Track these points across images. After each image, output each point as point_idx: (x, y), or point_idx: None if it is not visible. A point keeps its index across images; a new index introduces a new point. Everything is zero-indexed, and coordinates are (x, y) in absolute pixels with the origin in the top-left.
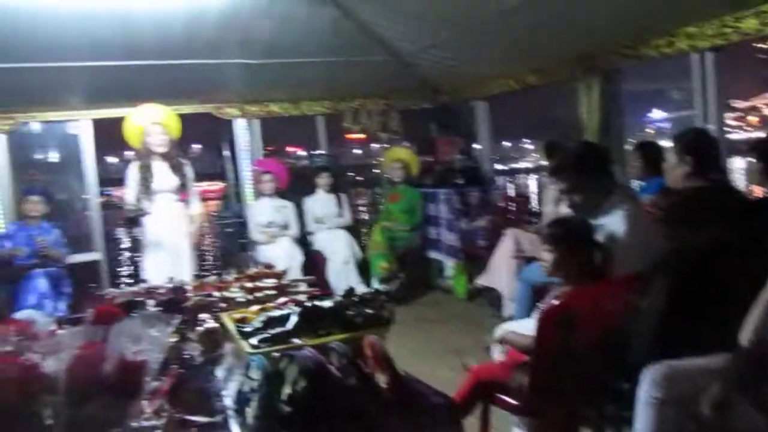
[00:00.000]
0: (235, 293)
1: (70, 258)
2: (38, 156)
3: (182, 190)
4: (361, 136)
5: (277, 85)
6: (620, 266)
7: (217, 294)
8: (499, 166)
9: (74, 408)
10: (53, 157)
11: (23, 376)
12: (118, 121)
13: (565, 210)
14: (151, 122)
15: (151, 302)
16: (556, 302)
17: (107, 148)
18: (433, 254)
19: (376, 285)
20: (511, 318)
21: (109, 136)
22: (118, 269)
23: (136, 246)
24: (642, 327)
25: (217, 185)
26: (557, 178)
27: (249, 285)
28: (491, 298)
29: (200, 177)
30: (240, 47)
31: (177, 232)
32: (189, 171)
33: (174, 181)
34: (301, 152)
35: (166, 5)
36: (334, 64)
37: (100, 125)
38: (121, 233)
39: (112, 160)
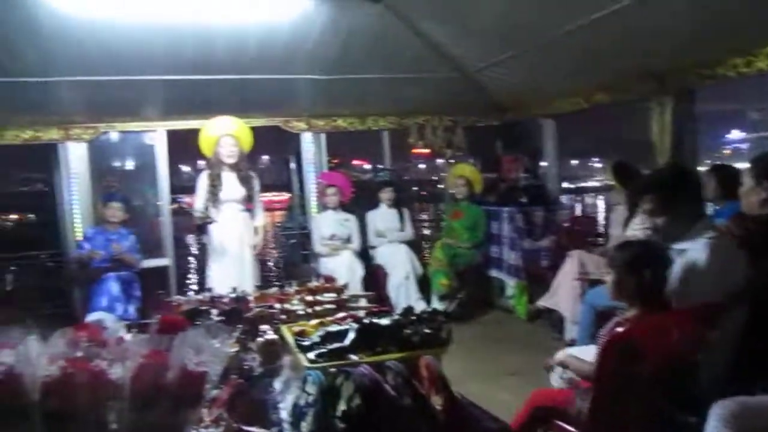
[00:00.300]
0: (296, 306)
1: (142, 263)
2: (116, 164)
3: (248, 201)
4: (426, 150)
5: (344, 100)
6: (698, 295)
7: (278, 306)
8: (565, 185)
9: (137, 414)
10: (129, 165)
11: (92, 382)
12: (189, 132)
13: (633, 232)
14: (224, 133)
15: (214, 311)
16: (620, 329)
17: (180, 158)
18: (495, 273)
19: (435, 302)
20: (573, 342)
21: (182, 146)
22: (186, 275)
23: (204, 253)
24: (713, 359)
25: (283, 196)
26: (643, 197)
27: (309, 298)
28: (553, 320)
29: (267, 187)
30: (308, 63)
31: (241, 241)
32: (256, 183)
33: (241, 191)
34: (367, 165)
35: (240, 22)
36: (401, 80)
37: (173, 135)
38: (191, 240)
39: (184, 168)
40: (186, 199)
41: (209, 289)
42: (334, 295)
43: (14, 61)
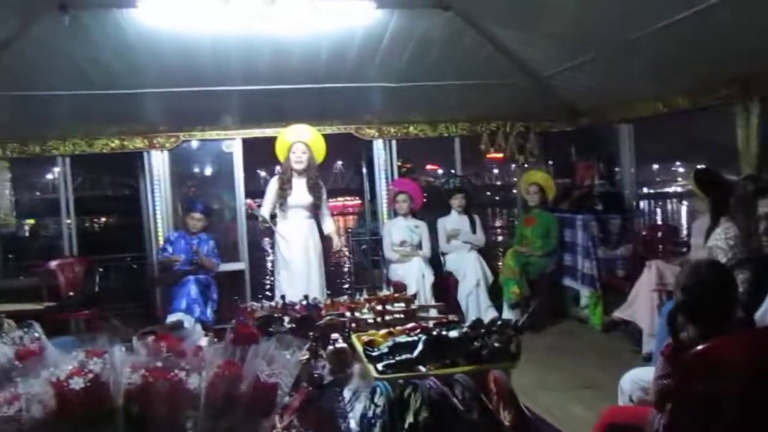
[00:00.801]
0: (365, 315)
1: (219, 267)
2: (195, 170)
3: (315, 208)
4: (500, 155)
5: (415, 107)
6: None
7: (348, 314)
8: (645, 190)
9: (212, 422)
10: (207, 171)
11: (170, 391)
12: (265, 140)
13: (715, 243)
14: (296, 140)
15: (286, 319)
16: (700, 347)
17: (256, 164)
18: (568, 282)
19: (506, 310)
20: (650, 355)
21: (258, 153)
22: (261, 279)
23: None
24: None
25: (356, 201)
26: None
27: (379, 308)
28: (629, 332)
29: (340, 192)
30: (380, 71)
31: (306, 247)
32: (324, 192)
33: (308, 198)
34: (440, 170)
35: (313, 32)
36: (472, 86)
37: (249, 143)
38: (266, 245)
39: (262, 174)
40: (247, 200)
41: (282, 297)
42: (403, 305)
43: (105, 76)
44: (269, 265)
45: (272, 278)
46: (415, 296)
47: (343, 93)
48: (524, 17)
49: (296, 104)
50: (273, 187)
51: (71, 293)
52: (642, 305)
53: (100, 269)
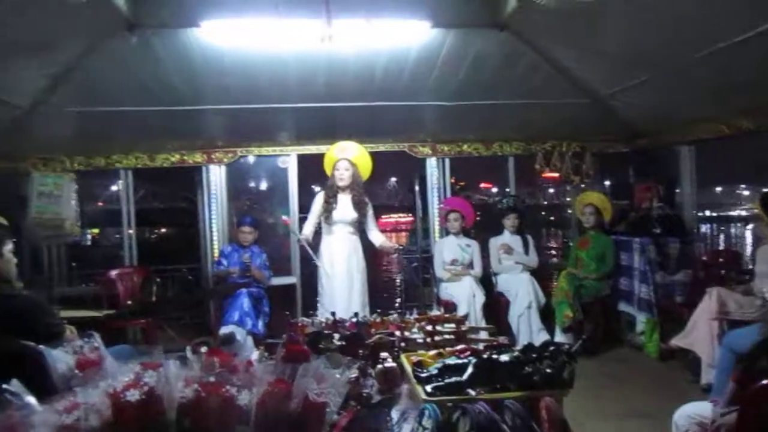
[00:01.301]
0: (415, 334)
1: (271, 280)
2: (250, 184)
3: (359, 225)
4: (556, 174)
5: (469, 126)
6: None
7: (397, 333)
8: (707, 213)
9: None
10: (262, 186)
11: (222, 406)
12: (319, 156)
13: None
14: (342, 157)
15: (336, 336)
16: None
17: (310, 180)
18: (624, 307)
19: (558, 334)
20: (709, 387)
21: (312, 168)
22: (312, 294)
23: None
24: None
25: (408, 218)
26: None
27: (429, 328)
28: (687, 361)
29: (394, 209)
30: (434, 89)
31: (349, 263)
32: (369, 209)
33: (352, 215)
34: (494, 189)
35: (368, 51)
36: (527, 105)
37: (304, 158)
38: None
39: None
40: (283, 216)
41: (333, 313)
42: (453, 326)
43: (168, 92)
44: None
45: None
46: (465, 317)
47: (397, 111)
48: (582, 37)
49: (350, 121)
50: (318, 201)
51: (129, 302)
52: (701, 334)
53: (157, 279)
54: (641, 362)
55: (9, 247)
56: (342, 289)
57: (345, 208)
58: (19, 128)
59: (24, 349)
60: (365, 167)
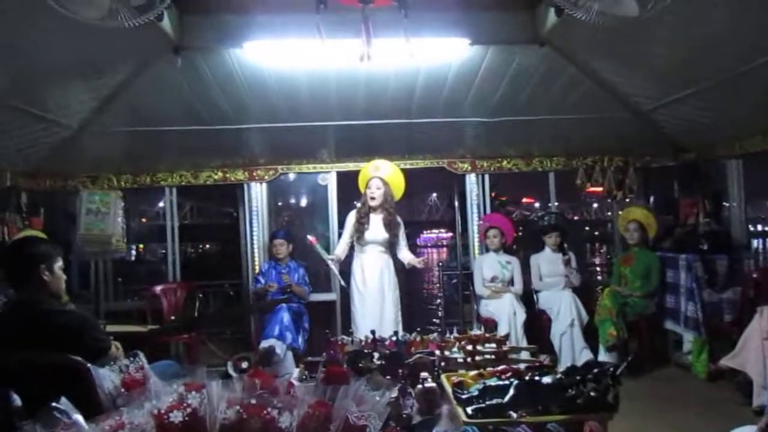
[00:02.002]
0: (455, 354)
1: (311, 295)
2: (291, 201)
3: (390, 245)
4: (600, 189)
5: (509, 142)
6: None
7: (437, 352)
8: (758, 228)
9: None
10: (303, 202)
11: (263, 428)
12: (358, 174)
13: None
14: (374, 175)
15: (376, 355)
16: None
17: (349, 196)
18: (670, 325)
19: (602, 353)
20: (762, 409)
21: (352, 185)
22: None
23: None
24: None
25: (449, 234)
26: None
27: (469, 348)
28: (738, 382)
29: (434, 224)
30: (473, 105)
31: (381, 282)
32: (401, 229)
33: (383, 234)
34: (537, 204)
35: (408, 68)
36: (568, 120)
37: (343, 175)
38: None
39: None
40: (309, 236)
41: (372, 332)
42: (494, 345)
43: (211, 111)
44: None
45: None
46: (506, 337)
47: (436, 127)
48: (625, 51)
49: (389, 138)
50: (350, 221)
51: (173, 317)
52: (752, 354)
53: (200, 294)
54: (689, 383)
55: (59, 264)
56: (374, 307)
57: (376, 228)
58: (68, 148)
59: (73, 363)
60: (398, 186)
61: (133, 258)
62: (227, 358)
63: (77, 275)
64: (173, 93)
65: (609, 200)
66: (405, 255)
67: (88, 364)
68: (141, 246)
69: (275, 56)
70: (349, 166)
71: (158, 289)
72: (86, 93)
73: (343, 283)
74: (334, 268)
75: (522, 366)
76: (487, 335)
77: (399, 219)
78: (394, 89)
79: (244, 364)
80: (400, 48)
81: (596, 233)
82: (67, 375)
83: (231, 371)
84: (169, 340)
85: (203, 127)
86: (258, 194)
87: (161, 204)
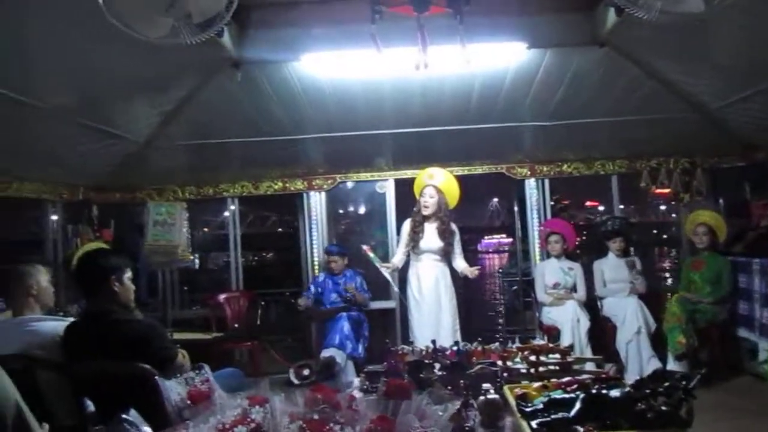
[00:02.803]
0: (518, 365)
1: (370, 303)
2: (349, 209)
3: (445, 253)
4: (667, 190)
5: (569, 145)
6: None
7: (499, 363)
8: None
9: None
10: (361, 210)
11: None
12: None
13: None
14: (428, 183)
15: (437, 365)
16: None
17: (408, 203)
18: (744, 333)
19: (671, 362)
20: None
21: (410, 192)
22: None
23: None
24: None
25: (508, 240)
26: None
27: (532, 358)
28: None
29: (496, 230)
30: (531, 109)
31: (437, 291)
32: (456, 236)
33: (438, 243)
34: (601, 207)
35: (464, 73)
36: (631, 122)
37: (401, 182)
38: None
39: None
40: (363, 245)
41: (433, 341)
42: (558, 356)
43: (271, 123)
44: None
45: None
46: (571, 348)
47: (494, 132)
48: (689, 49)
49: (446, 145)
50: (405, 229)
51: (236, 325)
52: None
53: (262, 302)
54: (765, 393)
55: (128, 275)
56: (430, 315)
57: (431, 236)
58: (135, 161)
59: (141, 372)
60: (452, 194)
61: (197, 266)
62: (289, 365)
63: (146, 284)
64: (233, 106)
65: (676, 203)
66: (460, 264)
67: (156, 373)
68: (205, 255)
69: (332, 67)
70: (407, 173)
71: (222, 297)
72: (151, 108)
73: (396, 288)
74: (389, 277)
75: (588, 378)
76: (550, 345)
77: (454, 227)
78: (450, 95)
79: (306, 372)
80: (456, 54)
81: (664, 236)
82: (136, 383)
83: (293, 378)
84: (233, 347)
85: (263, 138)
86: (317, 203)
87: (225, 213)
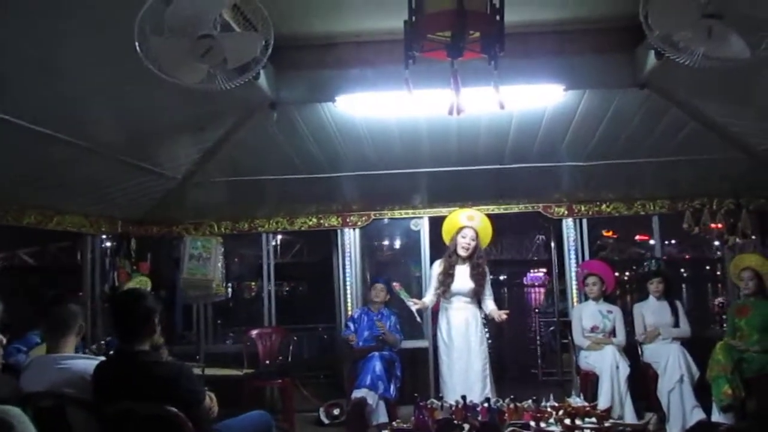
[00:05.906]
0: (552, 427)
1: (402, 343)
2: (384, 246)
3: (476, 294)
4: (719, 225)
5: (608, 185)
6: None
7: (533, 424)
8: None
9: None
10: (395, 246)
11: None
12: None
13: None
14: (466, 225)
15: (466, 426)
16: None
17: (442, 241)
18: None
19: (716, 413)
20: None
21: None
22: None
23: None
24: None
25: (545, 277)
26: None
27: (567, 421)
28: None
29: (541, 264)
30: (569, 150)
31: (467, 334)
32: (487, 278)
33: (470, 285)
34: (652, 241)
35: (500, 115)
36: (672, 162)
37: (436, 220)
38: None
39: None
40: (394, 282)
41: (463, 397)
42: (595, 420)
43: (306, 161)
44: None
45: None
46: (609, 411)
47: (530, 172)
48: (733, 91)
49: (482, 184)
50: (436, 270)
51: (267, 362)
52: None
53: (294, 338)
54: None
55: (157, 317)
56: (460, 361)
57: (462, 279)
58: (174, 197)
59: (169, 414)
60: (487, 236)
61: (230, 296)
62: (319, 404)
63: (181, 317)
64: (270, 145)
65: (719, 244)
66: (489, 305)
67: (183, 416)
68: (239, 290)
69: (367, 107)
70: (442, 211)
71: (254, 333)
72: (190, 147)
73: (419, 319)
74: (417, 315)
75: None
76: (587, 407)
77: (486, 269)
78: (486, 135)
79: (336, 411)
80: (491, 98)
81: (717, 273)
82: (164, 425)
83: (323, 417)
84: (264, 384)
85: (298, 176)
86: (351, 239)
87: (258, 249)
